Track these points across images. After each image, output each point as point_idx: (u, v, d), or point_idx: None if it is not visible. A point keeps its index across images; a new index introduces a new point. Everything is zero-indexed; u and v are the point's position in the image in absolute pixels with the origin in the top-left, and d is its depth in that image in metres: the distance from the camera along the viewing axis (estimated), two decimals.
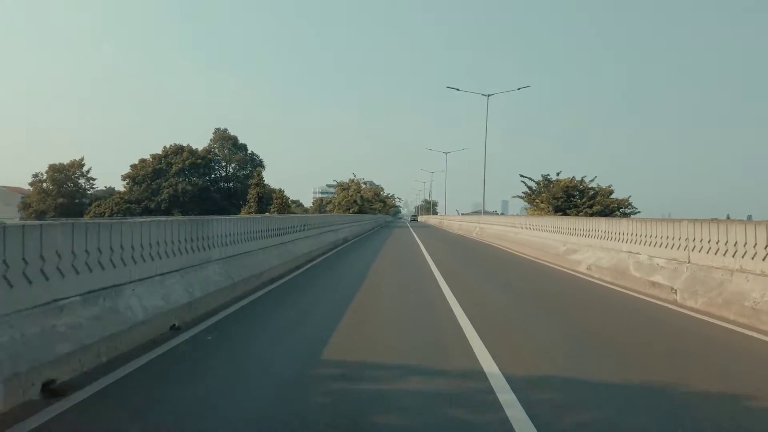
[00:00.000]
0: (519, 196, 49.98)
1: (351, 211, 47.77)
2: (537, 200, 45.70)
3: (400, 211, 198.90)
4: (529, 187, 47.82)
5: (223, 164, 63.95)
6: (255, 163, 66.68)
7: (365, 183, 53.99)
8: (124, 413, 3.21)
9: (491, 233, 22.41)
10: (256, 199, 45.22)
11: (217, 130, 64.43)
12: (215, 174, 61.99)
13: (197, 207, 56.14)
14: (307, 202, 74.25)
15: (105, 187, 64.16)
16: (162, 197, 53.63)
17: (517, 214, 47.09)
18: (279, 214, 41.53)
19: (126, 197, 53.98)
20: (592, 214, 43.70)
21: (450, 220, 47.23)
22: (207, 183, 58.41)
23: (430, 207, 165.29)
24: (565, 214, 43.74)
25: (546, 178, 45.67)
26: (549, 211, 44.88)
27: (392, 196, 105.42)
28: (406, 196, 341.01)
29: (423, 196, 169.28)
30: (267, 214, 39.39)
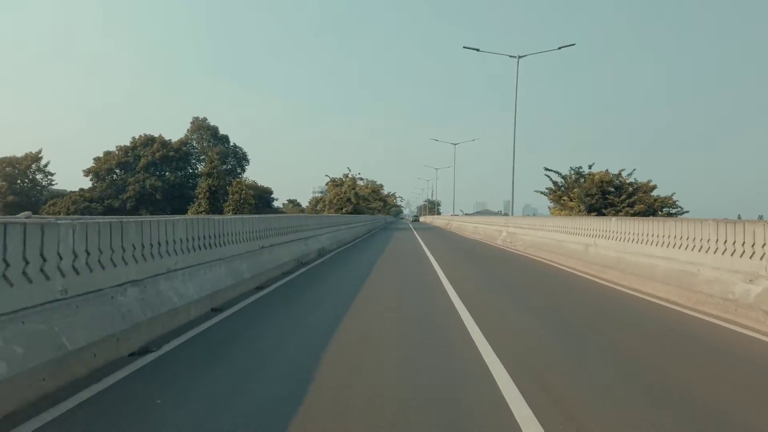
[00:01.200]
0: (542, 193, 43.95)
1: (344, 210, 41.46)
2: (564, 198, 39.29)
3: (401, 211, 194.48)
4: (555, 183, 41.46)
5: (201, 158, 57.72)
6: (238, 157, 60.39)
7: (362, 179, 47.70)
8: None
9: (529, 242, 16.13)
10: (207, 193, 37.99)
11: (195, 119, 58.29)
12: (192, 169, 55.77)
13: (169, 205, 49.92)
14: (307, 203, 68.27)
15: (82, 189, 58.02)
16: (127, 194, 47.48)
17: (536, 215, 40.54)
18: (235, 213, 34.97)
19: (87, 195, 47.88)
20: (633, 215, 37.46)
21: (461, 221, 40.88)
22: (181, 179, 52.26)
23: (433, 207, 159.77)
24: (600, 214, 37.50)
25: (577, 172, 39.22)
26: (580, 211, 38.68)
27: (393, 194, 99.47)
28: (408, 195, 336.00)
29: (425, 196, 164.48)
30: (231, 215, 32.69)
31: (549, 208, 48.97)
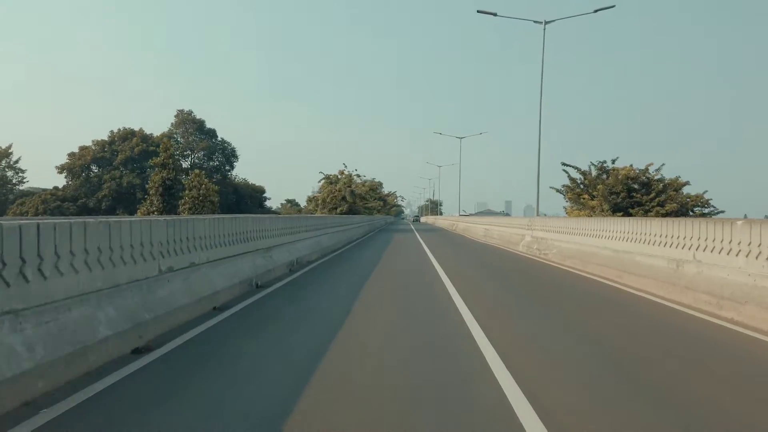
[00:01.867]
0: (557, 190, 40.33)
1: (339, 210, 37.78)
2: (585, 196, 35.45)
3: (402, 211, 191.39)
4: (573, 179, 37.65)
5: (186, 153, 54.05)
6: (226, 153, 56.69)
7: (359, 176, 44.01)
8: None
9: (568, 250, 12.54)
10: (160, 188, 33.47)
11: (180, 112, 54.62)
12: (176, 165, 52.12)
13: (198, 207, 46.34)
14: (305, 203, 64.38)
15: (56, 187, 54.27)
16: (103, 193, 43.83)
17: (546, 215, 36.93)
18: (193, 212, 30.96)
19: (59, 193, 44.27)
20: (665, 215, 33.44)
21: (468, 222, 37.17)
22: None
23: (436, 207, 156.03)
24: (627, 214, 33.62)
25: (600, 167, 35.43)
26: (603, 211, 34.79)
27: (393, 193, 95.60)
28: (409, 196, 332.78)
29: (426, 196, 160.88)
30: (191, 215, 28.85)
31: (565, 208, 45.06)
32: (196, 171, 32.15)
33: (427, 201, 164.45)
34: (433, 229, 48.78)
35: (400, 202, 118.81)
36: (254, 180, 61.30)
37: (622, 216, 32.85)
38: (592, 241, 11.68)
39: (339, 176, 42.85)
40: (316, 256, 14.20)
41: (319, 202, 39.91)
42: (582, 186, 36.89)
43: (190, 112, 54.23)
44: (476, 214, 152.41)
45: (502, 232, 23.16)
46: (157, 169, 33.43)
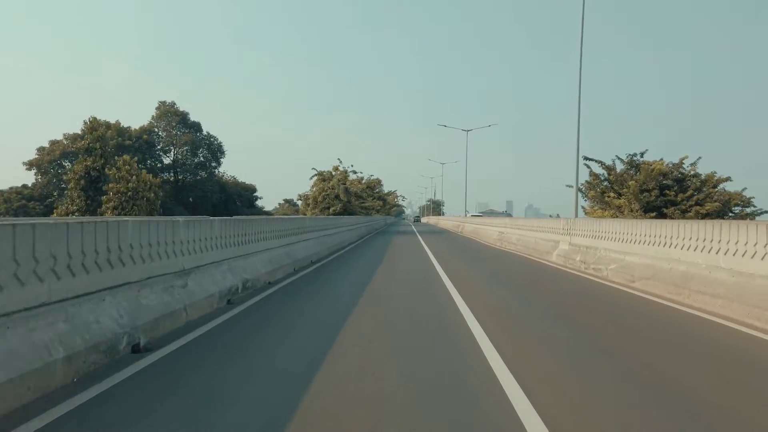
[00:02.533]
0: (577, 189, 36.21)
1: (332, 210, 33.95)
2: (610, 194, 31.63)
3: (403, 212, 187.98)
4: (596, 176, 33.83)
5: (169, 148, 50.22)
6: (213, 149, 52.81)
7: (356, 173, 40.18)
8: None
9: (640, 269, 8.57)
10: (81, 180, 27.21)
11: (162, 104, 50.81)
12: (157, 162, 48.30)
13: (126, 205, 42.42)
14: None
15: (25, 185, 50.33)
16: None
17: (549, 216, 33.11)
18: (121, 213, 26.25)
19: (26, 192, 40.48)
20: (704, 216, 29.60)
21: (477, 224, 33.33)
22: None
23: (438, 207, 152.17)
24: (661, 215, 29.82)
25: (629, 161, 31.64)
26: (634, 212, 31.09)
27: (394, 192, 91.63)
28: (410, 196, 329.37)
29: (428, 196, 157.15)
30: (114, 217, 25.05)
31: (584, 208, 41.31)
32: (125, 157, 27.21)
33: (428, 201, 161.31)
34: (437, 231, 44.96)
35: (401, 202, 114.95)
36: (246, 179, 57.49)
37: (656, 217, 28.91)
38: (681, 255, 7.83)
39: (333, 173, 39.04)
40: (282, 274, 10.41)
41: (310, 201, 36.10)
42: (606, 183, 33.02)
43: (172, 104, 50.41)
44: (480, 215, 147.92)
45: (523, 237, 19.32)
46: (80, 156, 27.57)
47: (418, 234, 35.59)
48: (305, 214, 36.90)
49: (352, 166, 40.60)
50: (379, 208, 73.16)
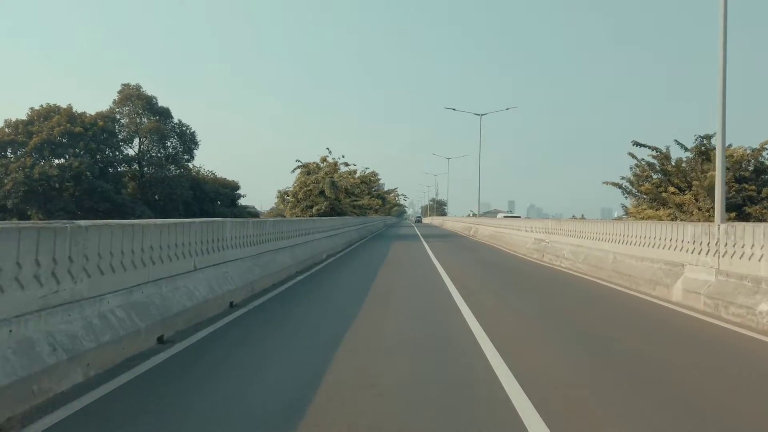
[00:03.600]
0: (616, 185, 30.02)
1: (315, 210, 27.64)
2: (669, 190, 25.28)
3: (405, 212, 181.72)
4: (650, 165, 27.57)
5: (132, 137, 43.76)
6: (184, 139, 46.39)
7: (348, 164, 33.87)
8: None
9: None
10: None
11: (125, 86, 44.43)
12: (116, 152, 41.90)
13: (74, 204, 35.99)
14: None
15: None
16: (7, 187, 33.63)
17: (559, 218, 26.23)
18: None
19: None
20: None
21: (496, 227, 27.05)
22: (98, 165, 38.40)
23: (441, 207, 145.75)
24: (742, 215, 23.57)
25: (698, 147, 25.42)
26: (700, 210, 24.95)
27: (394, 190, 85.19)
28: (412, 195, 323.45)
29: (430, 195, 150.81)
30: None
31: (624, 207, 34.69)
32: None
33: (430, 200, 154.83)
34: (445, 234, 38.63)
35: (402, 201, 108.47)
36: (211, 170, 50.68)
37: (736, 218, 22.42)
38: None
39: (321, 165, 32.69)
40: (143, 347, 4.05)
41: (290, 199, 29.74)
42: (663, 174, 26.55)
43: (137, 87, 44.08)
44: (483, 215, 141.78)
45: (584, 250, 12.99)
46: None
47: (422, 239, 29.29)
48: (284, 216, 30.59)
49: (343, 156, 34.29)
50: (377, 207, 66.95)
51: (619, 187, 30.92)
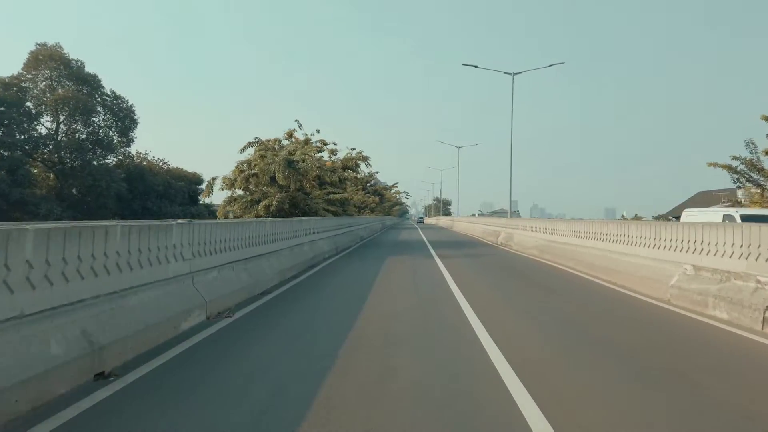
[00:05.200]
0: (731, 169, 20.78)
1: (261, 207, 17.65)
2: None
3: (407, 211, 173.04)
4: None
5: (44, 111, 33.65)
6: (120, 116, 36.33)
7: (326, 144, 23.95)
8: None
9: None
10: None
11: (42, 46, 34.41)
12: (27, 125, 31.82)
13: None
14: None
15: None
16: None
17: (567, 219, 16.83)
18: None
19: None
20: None
21: (556, 233, 16.91)
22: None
23: (447, 207, 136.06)
24: None
25: None
26: None
27: (395, 186, 74.88)
28: (414, 194, 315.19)
29: (434, 194, 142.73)
30: None
31: (741, 201, 24.83)
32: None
33: (434, 200, 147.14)
34: (461, 242, 28.71)
35: (405, 199, 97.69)
36: (164, 159, 40.64)
37: None
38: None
39: (285, 142, 22.75)
40: None
41: (232, 191, 19.74)
42: None
43: (57, 47, 34.13)
44: (489, 214, 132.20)
45: None
46: None
47: (431, 249, 19.46)
48: (225, 217, 20.58)
49: (318, 131, 24.30)
50: (373, 206, 56.94)
51: (733, 170, 20.87)
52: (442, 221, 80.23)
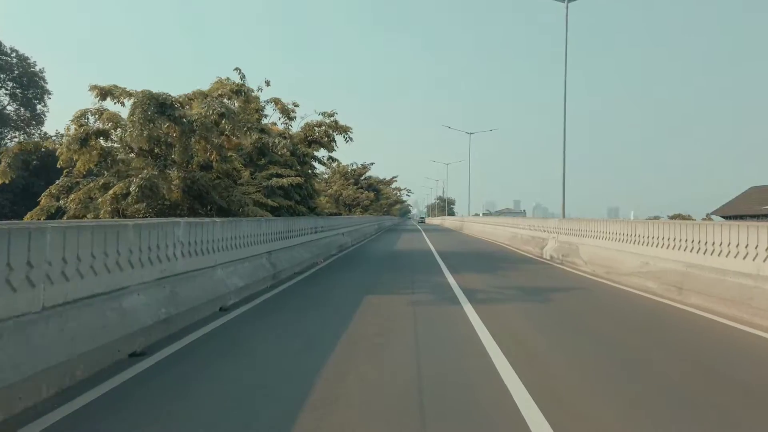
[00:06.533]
0: None
1: (130, 202, 8.36)
2: None
3: (409, 211, 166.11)
4: None
5: None
6: (25, 79, 27.47)
7: (284, 106, 14.93)
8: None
9: None
10: None
11: None
12: None
13: None
14: None
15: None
16: None
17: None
18: None
19: None
20: None
21: (625, 241, 7.67)
22: None
23: (450, 207, 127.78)
24: None
25: None
26: None
27: (395, 180, 65.65)
28: (417, 193, 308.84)
29: (437, 192, 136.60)
30: None
31: None
32: None
33: (437, 198, 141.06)
34: (487, 253, 19.97)
35: (406, 197, 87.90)
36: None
37: None
38: None
39: (195, 96, 13.68)
40: None
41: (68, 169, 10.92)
42: None
43: None
44: (496, 214, 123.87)
45: None
46: None
47: (448, 273, 10.73)
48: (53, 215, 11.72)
49: (268, 84, 15.39)
50: (368, 203, 47.78)
51: None
52: (448, 221, 70.35)
